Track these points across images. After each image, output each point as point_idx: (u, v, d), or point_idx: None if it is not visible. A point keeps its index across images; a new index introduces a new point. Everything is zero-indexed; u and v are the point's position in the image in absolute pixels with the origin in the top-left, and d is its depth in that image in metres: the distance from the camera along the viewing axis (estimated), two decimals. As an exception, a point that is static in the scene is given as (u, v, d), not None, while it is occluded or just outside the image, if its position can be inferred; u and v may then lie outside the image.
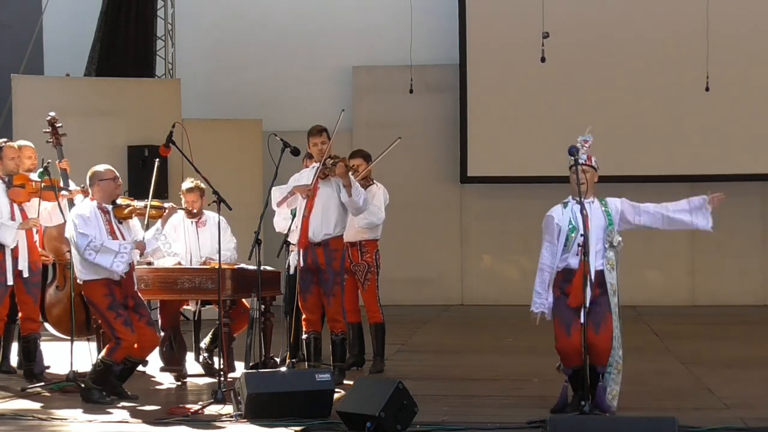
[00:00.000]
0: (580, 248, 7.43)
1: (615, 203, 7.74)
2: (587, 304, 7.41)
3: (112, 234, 8.29)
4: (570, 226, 7.61)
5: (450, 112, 16.50)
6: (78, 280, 8.38)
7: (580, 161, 7.59)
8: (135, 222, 8.54)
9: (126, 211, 8.42)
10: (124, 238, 8.32)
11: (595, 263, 7.54)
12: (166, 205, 8.68)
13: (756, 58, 15.52)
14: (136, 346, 8.27)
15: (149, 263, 9.07)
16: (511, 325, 13.88)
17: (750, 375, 9.53)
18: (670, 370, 9.91)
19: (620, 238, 7.68)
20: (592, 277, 7.47)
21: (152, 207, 8.50)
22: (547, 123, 15.32)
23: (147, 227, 8.65)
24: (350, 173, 8.87)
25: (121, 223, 8.40)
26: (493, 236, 16.36)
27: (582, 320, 7.39)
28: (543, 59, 13.86)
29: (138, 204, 8.51)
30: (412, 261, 16.24)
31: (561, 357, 7.63)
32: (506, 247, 16.14)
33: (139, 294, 8.49)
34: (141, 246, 8.36)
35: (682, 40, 15.48)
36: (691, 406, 7.94)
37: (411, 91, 15.54)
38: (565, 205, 7.71)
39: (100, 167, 8.49)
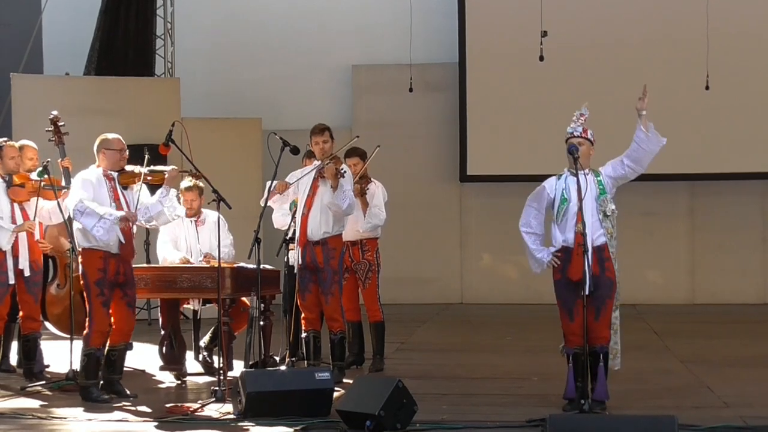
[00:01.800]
0: (576, 230, 7.46)
1: (604, 171, 7.76)
2: (588, 281, 7.43)
3: (116, 201, 8.26)
4: (562, 198, 7.65)
5: (449, 111, 16.50)
6: (78, 248, 8.35)
7: (576, 134, 7.68)
8: (144, 190, 8.43)
9: (130, 177, 8.37)
10: (128, 206, 8.28)
11: (593, 236, 7.55)
12: (167, 168, 8.59)
13: (756, 57, 15.52)
14: (113, 328, 8.22)
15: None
16: (511, 324, 13.91)
17: (750, 373, 9.52)
18: (669, 368, 9.91)
19: (613, 207, 7.68)
20: (590, 254, 7.46)
21: (153, 172, 8.42)
22: (546, 121, 15.28)
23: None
24: (340, 177, 8.82)
25: (126, 189, 8.38)
26: (492, 235, 16.35)
27: (584, 297, 7.44)
28: (542, 58, 13.87)
29: (143, 170, 8.43)
30: (412, 260, 16.23)
31: (565, 338, 7.71)
32: (506, 245, 16.08)
33: (133, 273, 8.44)
34: (132, 216, 8.21)
35: (682, 38, 15.48)
36: (691, 405, 7.93)
37: (410, 90, 15.52)
38: (560, 177, 7.77)
39: (110, 135, 8.44)
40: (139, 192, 8.33)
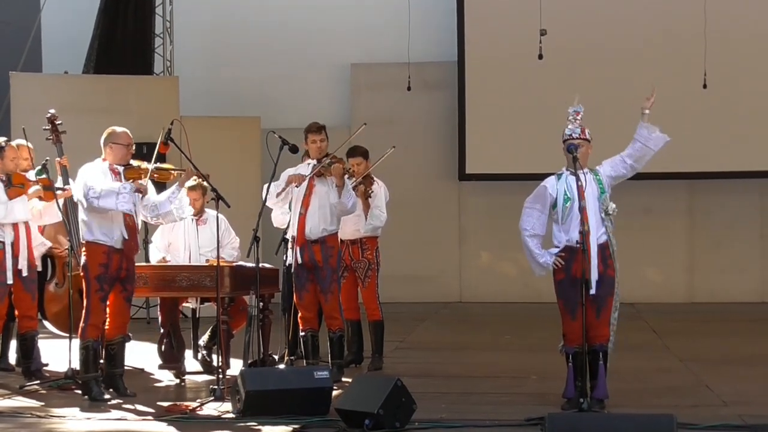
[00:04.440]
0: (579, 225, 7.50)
1: (602, 170, 7.77)
2: (594, 279, 7.46)
3: None
4: (564, 197, 7.66)
5: (448, 110, 16.50)
6: (82, 240, 8.35)
7: (575, 135, 7.69)
8: (149, 185, 8.42)
9: (136, 172, 8.36)
10: (133, 200, 8.26)
11: (597, 234, 7.57)
12: (173, 167, 8.56)
13: (753, 56, 15.52)
14: (107, 324, 8.23)
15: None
16: (510, 323, 13.92)
17: (748, 372, 9.53)
18: (668, 367, 9.92)
19: (614, 205, 7.70)
20: (595, 251, 7.49)
21: (159, 169, 8.43)
22: (544, 120, 15.26)
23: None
24: (347, 176, 8.84)
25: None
26: (491, 233, 16.35)
27: (583, 296, 7.45)
28: (540, 56, 13.87)
29: (150, 166, 8.41)
30: (411, 258, 16.22)
31: (565, 337, 7.69)
32: (504, 244, 16.09)
33: (135, 269, 8.45)
34: (143, 188, 8.24)
35: (680, 37, 15.48)
36: (690, 404, 7.93)
37: (409, 89, 15.50)
38: (559, 177, 7.76)
39: (118, 129, 8.45)
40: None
